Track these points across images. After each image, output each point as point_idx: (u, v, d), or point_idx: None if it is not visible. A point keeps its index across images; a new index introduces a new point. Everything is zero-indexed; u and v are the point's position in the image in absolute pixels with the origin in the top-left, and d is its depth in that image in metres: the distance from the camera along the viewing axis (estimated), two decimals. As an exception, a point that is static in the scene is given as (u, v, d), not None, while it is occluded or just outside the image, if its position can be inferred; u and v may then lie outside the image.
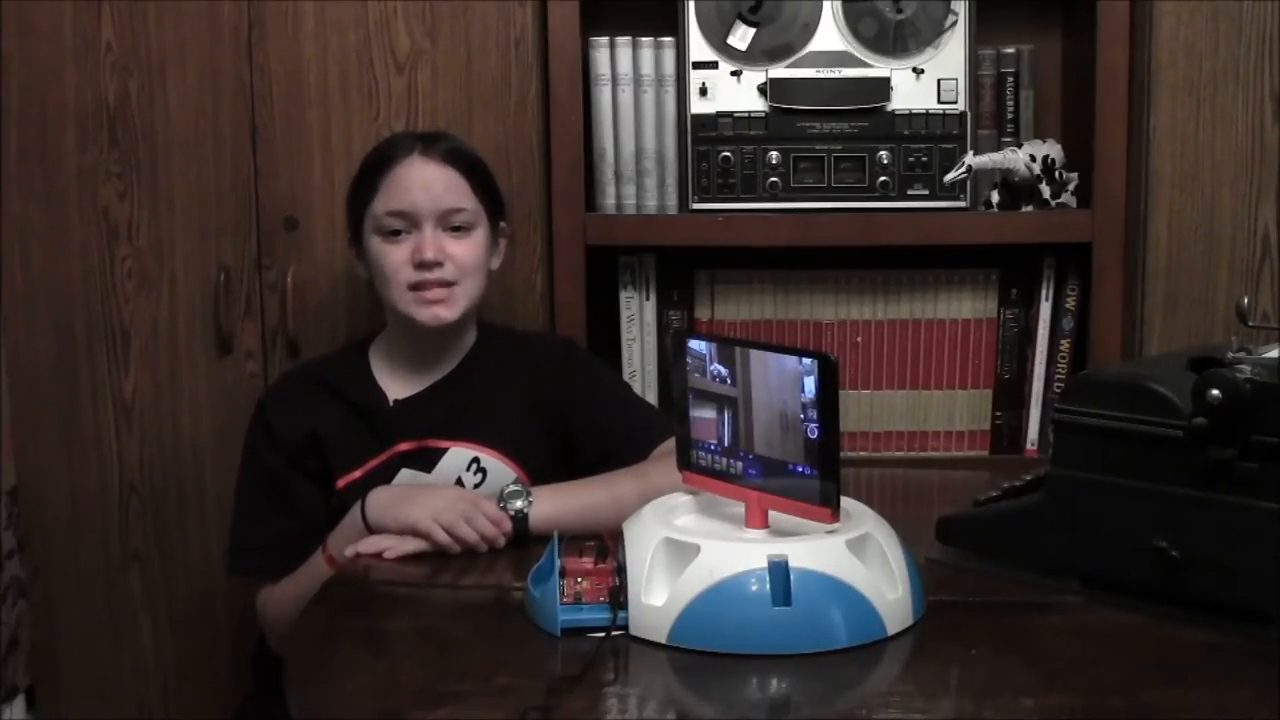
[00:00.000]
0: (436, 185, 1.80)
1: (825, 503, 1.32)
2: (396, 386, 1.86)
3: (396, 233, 1.80)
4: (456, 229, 1.81)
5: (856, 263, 2.20)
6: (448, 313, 1.80)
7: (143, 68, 2.08)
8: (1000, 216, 2.15)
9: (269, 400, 1.87)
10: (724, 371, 1.39)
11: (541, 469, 1.79)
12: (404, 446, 1.81)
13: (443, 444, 1.82)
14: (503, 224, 1.91)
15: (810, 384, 1.31)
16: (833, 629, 1.29)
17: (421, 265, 1.78)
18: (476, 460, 1.82)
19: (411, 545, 1.61)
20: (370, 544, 1.62)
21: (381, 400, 1.85)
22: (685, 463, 1.47)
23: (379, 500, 1.67)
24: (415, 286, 1.79)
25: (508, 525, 1.63)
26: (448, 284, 1.79)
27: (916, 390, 2.22)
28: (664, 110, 2.18)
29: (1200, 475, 1.31)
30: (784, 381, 1.33)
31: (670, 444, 1.70)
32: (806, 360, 1.31)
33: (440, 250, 1.79)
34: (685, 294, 2.22)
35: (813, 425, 1.31)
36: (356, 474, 1.79)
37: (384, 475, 1.78)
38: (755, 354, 1.37)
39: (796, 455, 1.33)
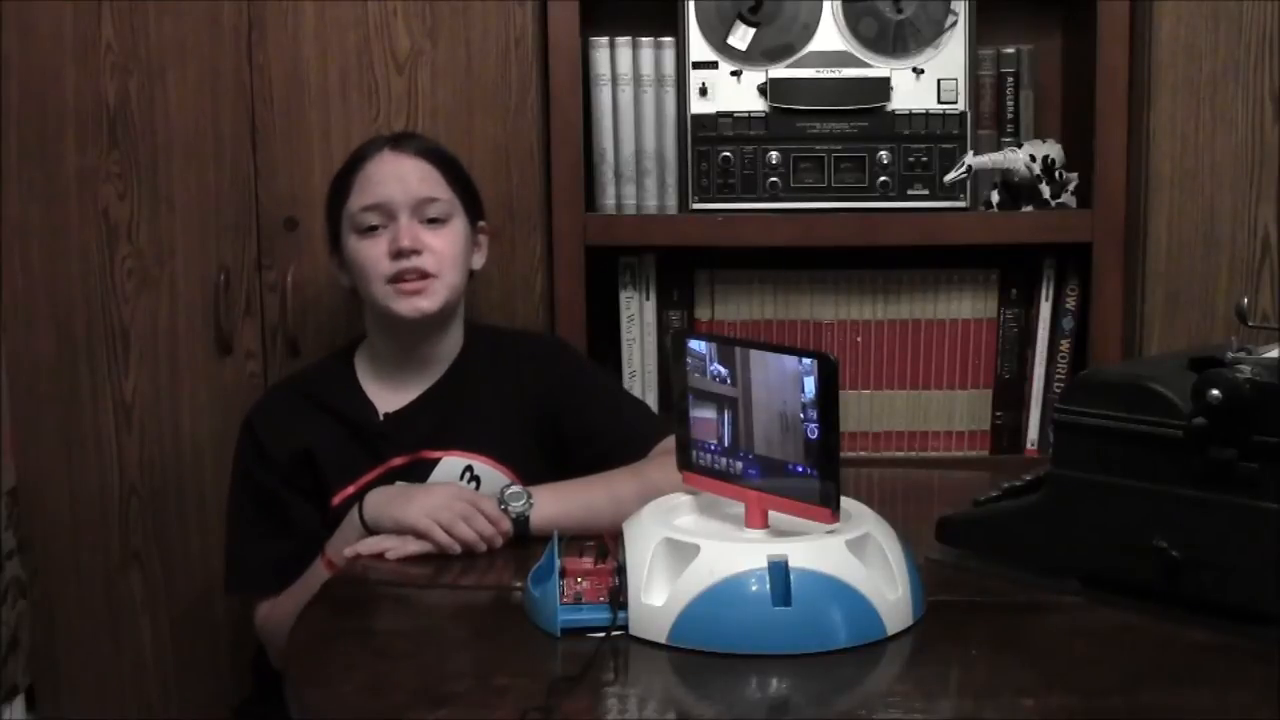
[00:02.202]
0: (410, 176, 1.80)
1: (825, 503, 1.32)
2: (385, 397, 1.85)
3: (373, 228, 1.79)
4: (433, 221, 1.80)
5: (856, 263, 2.20)
6: (427, 303, 1.78)
7: (143, 68, 2.08)
8: (1000, 216, 2.15)
9: (258, 419, 1.85)
10: (724, 371, 1.39)
11: (535, 472, 1.77)
12: (397, 461, 1.81)
13: (435, 455, 1.81)
14: (481, 223, 1.90)
15: (810, 384, 1.31)
16: (833, 629, 1.29)
17: (399, 255, 1.77)
18: (469, 468, 1.81)
19: (413, 546, 1.61)
20: (371, 545, 1.62)
21: (371, 415, 1.83)
22: (685, 463, 1.47)
23: (376, 500, 1.67)
24: (394, 279, 1.78)
25: (506, 525, 1.63)
26: (426, 275, 1.78)
27: (916, 390, 2.22)
28: (664, 110, 2.18)
29: (1200, 475, 1.31)
30: (784, 382, 1.33)
31: (668, 443, 1.70)
32: (806, 360, 1.31)
33: (417, 239, 1.78)
34: (685, 294, 2.22)
35: (813, 425, 1.31)
36: (350, 490, 1.78)
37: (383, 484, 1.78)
38: (755, 354, 1.37)
39: (796, 455, 1.33)
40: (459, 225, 1.83)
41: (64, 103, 2.08)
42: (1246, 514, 1.29)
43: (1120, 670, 1.26)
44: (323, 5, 2.07)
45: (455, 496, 1.64)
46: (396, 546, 1.61)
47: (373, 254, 1.79)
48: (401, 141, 1.84)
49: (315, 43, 2.08)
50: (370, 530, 1.65)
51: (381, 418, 1.83)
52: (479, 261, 1.90)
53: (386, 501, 1.66)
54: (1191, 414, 1.30)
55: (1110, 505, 1.38)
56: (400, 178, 1.80)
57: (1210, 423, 1.28)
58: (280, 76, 2.08)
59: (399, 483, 1.78)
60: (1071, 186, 2.15)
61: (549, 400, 1.87)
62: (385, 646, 1.38)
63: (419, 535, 1.60)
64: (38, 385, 2.13)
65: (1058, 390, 2.17)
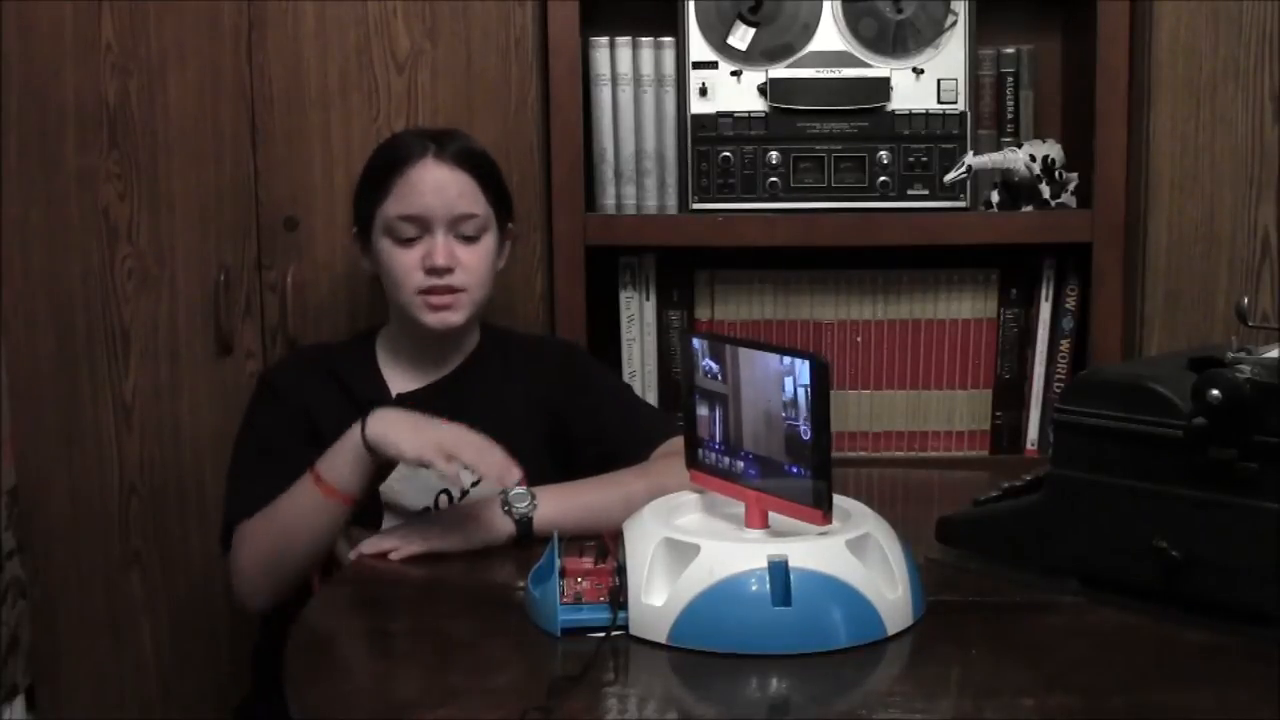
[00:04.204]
0: (450, 190, 1.80)
1: (818, 504, 1.32)
2: (399, 381, 1.87)
3: (408, 238, 1.80)
4: (467, 236, 1.82)
5: (856, 263, 2.20)
6: (455, 317, 1.81)
7: (143, 68, 2.08)
8: (1000, 216, 2.15)
9: (276, 374, 1.87)
10: (715, 368, 1.40)
11: (541, 472, 1.77)
12: None
13: None
14: (510, 225, 1.91)
15: (789, 384, 1.31)
16: (833, 629, 1.29)
17: (432, 271, 1.79)
18: None
19: (417, 546, 1.60)
20: (373, 544, 1.62)
21: (385, 396, 1.85)
22: (693, 461, 1.47)
23: (382, 421, 1.62)
24: (424, 291, 1.79)
25: (517, 473, 1.58)
26: (456, 290, 1.80)
27: (916, 390, 2.22)
28: (664, 110, 2.18)
29: (1200, 475, 1.31)
30: (769, 380, 1.34)
31: (672, 444, 1.70)
32: (786, 360, 1.32)
33: (451, 256, 1.79)
34: (685, 294, 2.22)
35: (793, 424, 1.32)
36: None
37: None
38: (744, 352, 1.37)
39: (781, 453, 1.34)
40: (490, 240, 1.84)
41: (64, 103, 2.08)
42: (1246, 514, 1.29)
43: (1120, 670, 1.26)
44: (323, 5, 2.07)
45: (466, 433, 1.58)
46: (400, 547, 1.60)
47: (406, 264, 1.80)
48: (444, 146, 1.82)
49: (315, 43, 2.08)
50: (370, 448, 1.61)
51: (395, 396, 1.85)
52: (501, 263, 1.91)
53: (392, 425, 1.60)
54: (1191, 414, 1.30)
55: (1110, 505, 1.38)
56: (440, 191, 1.80)
57: (1210, 423, 1.28)
58: (280, 76, 2.08)
59: (400, 466, 1.73)
60: (1071, 186, 2.16)
61: (560, 402, 1.88)
62: (385, 646, 1.38)
63: (424, 465, 1.56)
64: (38, 385, 2.13)
65: (1058, 390, 2.17)
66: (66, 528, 2.16)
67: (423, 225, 1.80)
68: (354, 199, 1.89)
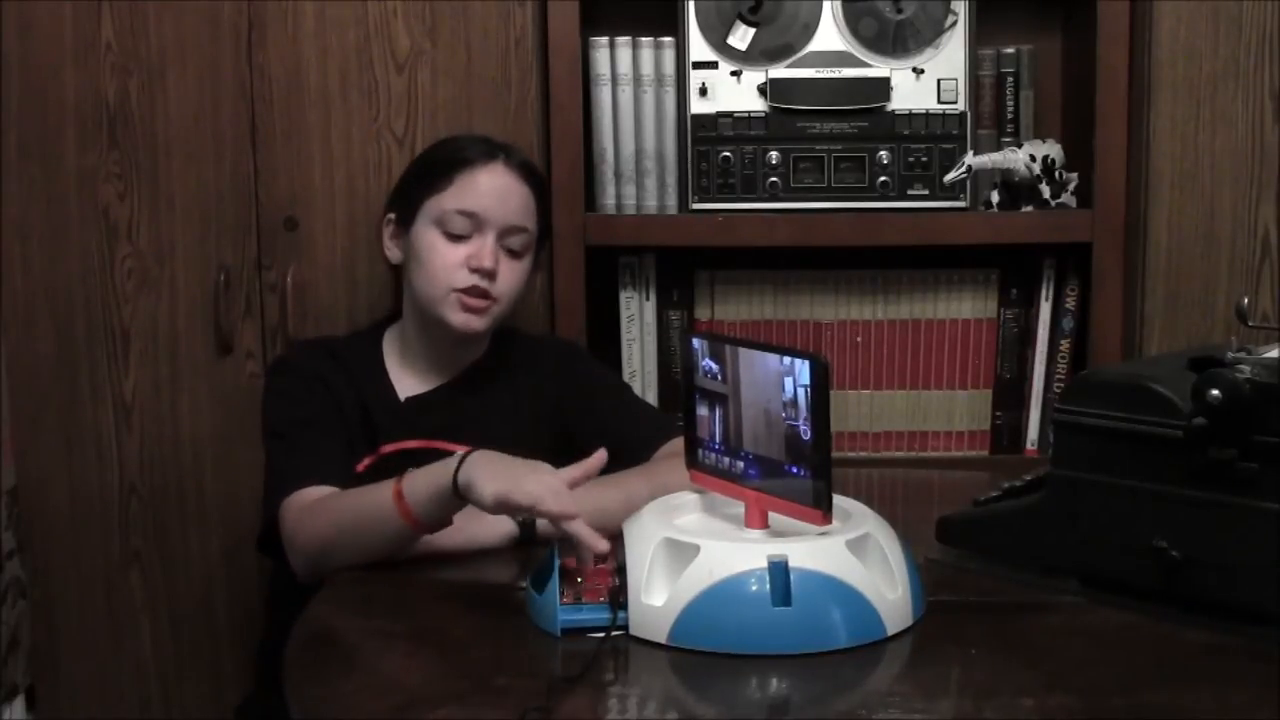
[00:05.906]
0: (512, 199, 1.83)
1: (818, 504, 1.32)
2: (407, 383, 1.87)
3: (458, 234, 1.81)
4: (512, 250, 1.83)
5: (856, 263, 2.20)
6: (479, 323, 1.81)
7: (143, 68, 2.08)
8: (1000, 216, 2.15)
9: (291, 357, 1.88)
10: (715, 368, 1.40)
11: None
12: (410, 444, 1.81)
13: (450, 446, 1.81)
14: (541, 253, 1.93)
15: (789, 384, 1.31)
16: (832, 629, 1.29)
17: (477, 271, 1.79)
18: None
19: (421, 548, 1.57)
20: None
21: (393, 397, 1.85)
22: (693, 461, 1.47)
23: (477, 464, 1.50)
24: (462, 290, 1.80)
25: (605, 544, 1.42)
26: (490, 297, 1.81)
27: (916, 390, 2.22)
28: (664, 110, 2.18)
29: (1200, 475, 1.31)
30: (768, 380, 1.34)
31: (673, 445, 1.70)
32: (787, 360, 1.32)
33: (496, 263, 1.81)
34: (685, 294, 2.22)
35: (793, 424, 1.32)
36: (362, 465, 1.78)
37: (386, 472, 1.77)
38: (744, 352, 1.38)
39: (781, 454, 1.34)
40: (528, 261, 1.87)
41: (64, 102, 2.08)
42: (1246, 514, 1.29)
43: (1120, 670, 1.26)
44: (323, 5, 2.07)
45: (539, 478, 1.47)
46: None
47: (450, 260, 1.80)
48: (512, 155, 1.86)
49: (315, 43, 2.08)
50: (458, 492, 1.50)
51: (403, 400, 1.85)
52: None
53: (488, 470, 1.49)
54: (1191, 414, 1.30)
55: (1110, 505, 1.38)
56: (504, 197, 1.82)
57: (1210, 423, 1.28)
58: (280, 76, 2.08)
59: (409, 471, 1.74)
60: (1071, 186, 2.16)
61: (563, 401, 1.89)
62: (385, 646, 1.38)
63: (538, 511, 1.44)
64: (38, 385, 2.13)
65: (1058, 390, 2.17)
66: (66, 528, 2.15)
67: (476, 225, 1.81)
68: (400, 186, 1.89)
